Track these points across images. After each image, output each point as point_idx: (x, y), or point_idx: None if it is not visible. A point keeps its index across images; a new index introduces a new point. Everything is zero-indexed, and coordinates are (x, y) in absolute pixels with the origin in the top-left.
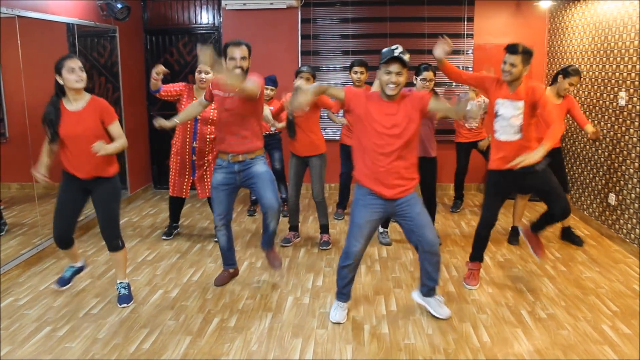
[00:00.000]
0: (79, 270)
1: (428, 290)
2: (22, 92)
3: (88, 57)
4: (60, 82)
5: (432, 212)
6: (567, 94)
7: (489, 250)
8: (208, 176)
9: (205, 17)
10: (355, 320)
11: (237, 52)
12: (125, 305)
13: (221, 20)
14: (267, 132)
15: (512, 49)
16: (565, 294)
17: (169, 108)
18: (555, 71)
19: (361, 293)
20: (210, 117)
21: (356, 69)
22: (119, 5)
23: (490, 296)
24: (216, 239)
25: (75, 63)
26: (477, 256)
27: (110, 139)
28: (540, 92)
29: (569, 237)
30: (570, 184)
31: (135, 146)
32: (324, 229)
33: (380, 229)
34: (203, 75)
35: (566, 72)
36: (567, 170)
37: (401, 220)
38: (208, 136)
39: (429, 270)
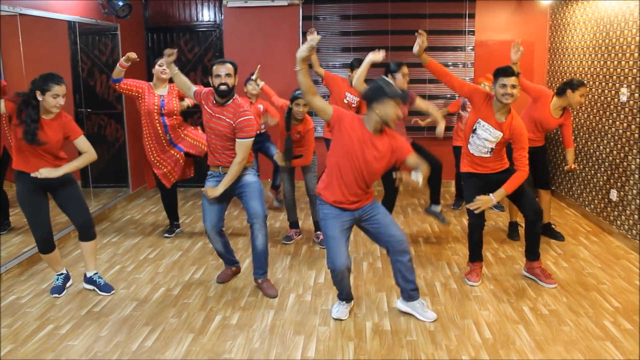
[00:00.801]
0: (68, 277)
1: (408, 294)
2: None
3: (89, 55)
4: (39, 98)
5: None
6: (568, 110)
7: (491, 247)
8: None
9: (206, 15)
10: (357, 317)
11: (222, 70)
12: (113, 292)
13: (222, 17)
14: (257, 132)
15: (507, 72)
16: (567, 290)
17: None
18: (556, 68)
19: (363, 290)
20: (175, 109)
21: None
22: (120, 3)
23: (491, 292)
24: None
25: (62, 90)
26: (475, 257)
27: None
28: (519, 134)
29: (550, 233)
30: (572, 181)
31: (137, 144)
32: (319, 225)
33: None
34: (165, 68)
35: (574, 84)
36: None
37: (367, 224)
38: (176, 124)
39: (402, 271)
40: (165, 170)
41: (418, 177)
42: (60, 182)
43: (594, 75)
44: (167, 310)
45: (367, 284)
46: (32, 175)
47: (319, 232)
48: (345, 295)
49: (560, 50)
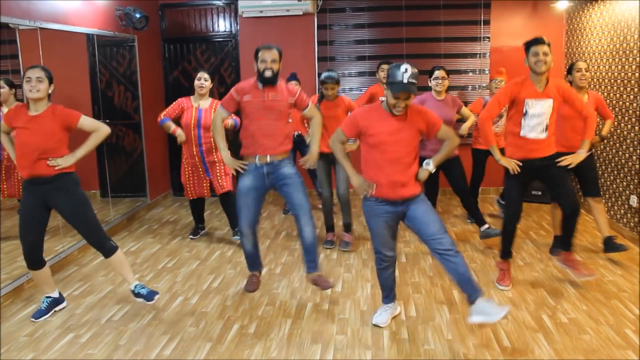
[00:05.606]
0: (56, 302)
1: (469, 298)
2: None
3: (107, 66)
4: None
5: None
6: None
7: None
8: (221, 170)
9: (222, 25)
10: (375, 325)
11: (268, 55)
12: (157, 296)
13: (238, 27)
14: (300, 133)
15: (537, 41)
16: (587, 297)
17: None
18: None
19: (379, 298)
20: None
21: (384, 66)
22: (138, 15)
23: (510, 300)
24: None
25: (33, 73)
26: (507, 253)
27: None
28: (566, 89)
29: (612, 247)
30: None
31: (154, 153)
32: (347, 227)
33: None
34: (203, 82)
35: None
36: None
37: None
38: (212, 139)
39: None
40: (189, 185)
41: (428, 166)
42: (56, 190)
43: (612, 80)
44: (185, 319)
45: None
46: (50, 163)
47: (345, 234)
48: (386, 296)
49: (577, 55)
